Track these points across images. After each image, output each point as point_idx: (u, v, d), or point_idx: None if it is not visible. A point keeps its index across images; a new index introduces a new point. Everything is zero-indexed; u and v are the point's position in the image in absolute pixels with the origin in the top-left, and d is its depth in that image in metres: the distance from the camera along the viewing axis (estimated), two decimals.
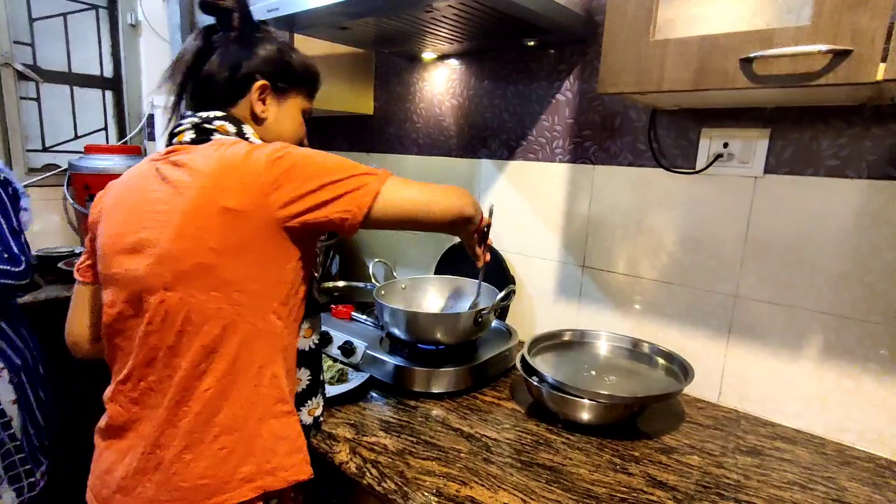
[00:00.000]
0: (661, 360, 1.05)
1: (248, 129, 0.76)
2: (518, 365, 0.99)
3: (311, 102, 0.86)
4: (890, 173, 0.86)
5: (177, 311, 0.65)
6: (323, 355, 1.12)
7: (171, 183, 0.68)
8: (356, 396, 1.01)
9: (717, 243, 1.03)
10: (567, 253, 1.25)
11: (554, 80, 1.23)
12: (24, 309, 1.45)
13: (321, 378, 0.85)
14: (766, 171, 0.97)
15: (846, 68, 0.64)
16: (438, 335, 1.06)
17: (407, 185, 0.73)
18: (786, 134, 0.95)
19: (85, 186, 1.90)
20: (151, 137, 2.25)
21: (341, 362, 1.12)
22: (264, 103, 0.79)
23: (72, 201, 2.04)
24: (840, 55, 0.63)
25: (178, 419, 0.65)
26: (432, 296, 1.27)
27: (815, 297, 0.94)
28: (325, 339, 1.18)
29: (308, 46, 1.35)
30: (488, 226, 0.97)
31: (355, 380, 1.04)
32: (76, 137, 2.17)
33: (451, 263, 1.43)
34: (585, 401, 0.88)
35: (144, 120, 2.27)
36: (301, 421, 0.79)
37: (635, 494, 0.75)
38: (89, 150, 1.97)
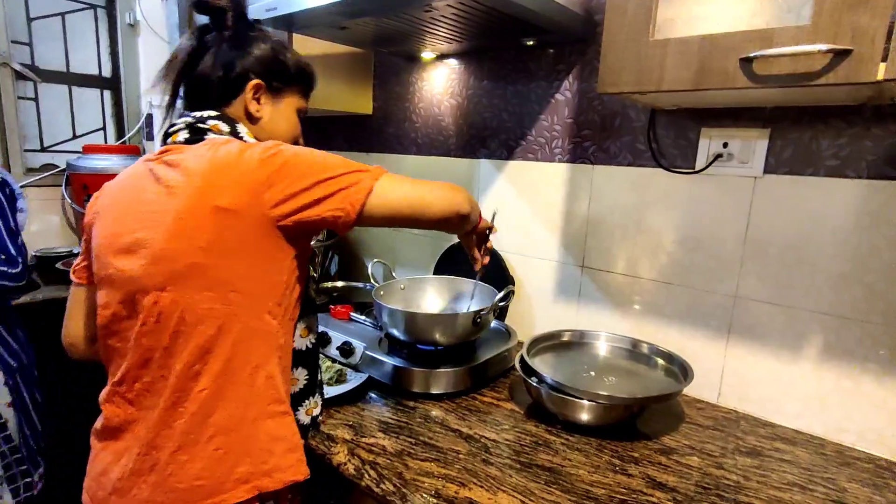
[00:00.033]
0: (660, 361, 1.04)
1: (242, 129, 0.75)
2: (517, 365, 0.99)
3: (306, 101, 0.86)
4: (890, 173, 0.86)
5: (170, 312, 0.64)
6: (322, 356, 1.12)
7: (164, 183, 0.67)
8: (355, 397, 1.01)
9: (716, 243, 1.03)
10: (566, 253, 1.25)
11: (553, 80, 1.22)
12: (22, 309, 1.44)
13: (319, 377, 0.84)
14: (766, 171, 0.97)
15: (846, 68, 0.63)
16: (437, 336, 1.05)
17: (401, 181, 0.73)
18: (785, 134, 0.95)
19: (83, 186, 1.90)
20: (150, 137, 2.25)
21: (340, 363, 1.12)
22: (259, 102, 0.78)
23: (70, 201, 2.03)
24: (840, 55, 0.63)
25: (173, 420, 0.65)
26: (431, 296, 1.27)
27: (815, 298, 0.94)
28: (324, 340, 1.18)
29: (307, 46, 1.34)
30: (489, 229, 0.96)
31: (354, 380, 1.04)
32: (74, 137, 2.17)
33: (451, 264, 1.43)
34: (585, 402, 0.88)
35: (143, 120, 2.27)
36: (299, 420, 0.79)
37: (635, 496, 0.75)
38: (88, 149, 1.96)
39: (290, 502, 0.74)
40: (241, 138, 0.74)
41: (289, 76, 0.81)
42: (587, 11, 1.11)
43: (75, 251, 1.99)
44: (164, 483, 0.65)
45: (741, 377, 1.03)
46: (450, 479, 0.77)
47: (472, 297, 1.16)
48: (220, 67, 0.76)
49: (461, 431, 0.90)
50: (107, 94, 2.26)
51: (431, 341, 1.08)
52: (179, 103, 0.80)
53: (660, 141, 1.08)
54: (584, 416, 0.90)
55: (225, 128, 0.74)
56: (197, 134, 0.72)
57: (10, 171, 1.89)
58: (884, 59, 0.61)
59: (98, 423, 0.73)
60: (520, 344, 1.16)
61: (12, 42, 1.93)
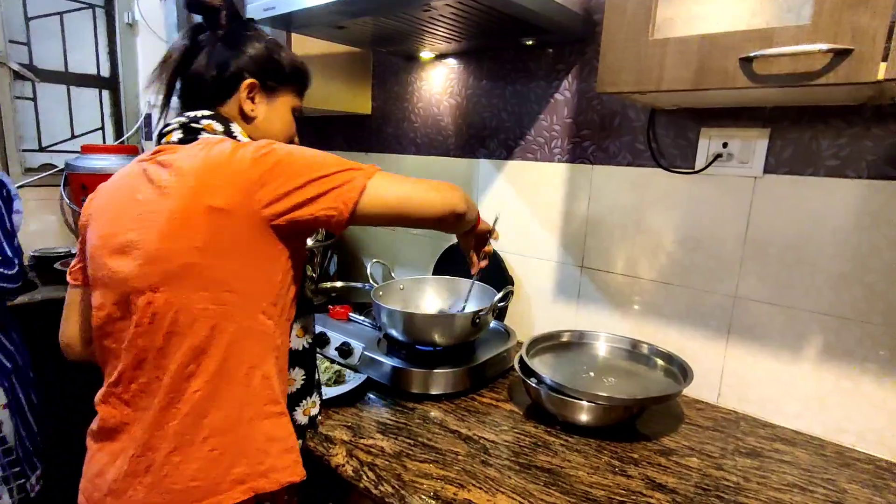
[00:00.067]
0: (660, 361, 1.04)
1: (236, 128, 0.75)
2: (516, 366, 0.99)
3: (300, 100, 0.86)
4: (890, 173, 0.86)
5: (164, 313, 0.64)
6: (320, 356, 1.12)
7: (157, 183, 0.67)
8: (353, 398, 1.00)
9: (716, 243, 1.03)
10: (566, 253, 1.24)
11: (552, 80, 1.22)
12: (20, 309, 1.44)
13: (316, 378, 0.84)
14: (766, 170, 0.97)
15: (847, 68, 0.63)
16: (436, 336, 1.05)
17: (395, 179, 0.72)
18: (785, 134, 0.94)
19: (82, 186, 1.90)
20: (148, 137, 2.25)
21: (339, 363, 1.12)
22: (253, 102, 0.78)
23: (68, 201, 2.03)
24: (840, 54, 0.63)
25: (167, 421, 0.65)
26: (430, 297, 1.26)
27: (815, 298, 0.94)
28: (323, 340, 1.17)
29: (305, 46, 1.34)
30: (490, 232, 0.95)
31: (353, 381, 1.04)
32: (73, 137, 2.17)
33: (450, 264, 1.43)
34: (584, 402, 0.88)
35: (141, 119, 2.26)
36: (296, 421, 0.78)
37: (634, 497, 0.75)
38: (86, 149, 1.96)
39: None
40: (235, 138, 0.73)
41: (283, 75, 0.81)
42: (586, 11, 1.10)
43: (73, 251, 1.97)
44: (159, 484, 0.64)
45: (741, 378, 1.03)
46: (448, 481, 0.76)
47: (471, 298, 1.15)
48: (214, 67, 0.75)
49: (460, 432, 0.90)
50: (105, 93, 2.25)
51: (430, 342, 1.07)
52: (175, 103, 0.79)
53: (659, 141, 1.08)
54: (584, 417, 0.89)
55: (219, 127, 0.73)
56: (191, 133, 0.72)
57: (8, 172, 1.89)
58: (884, 59, 0.61)
59: (94, 424, 0.73)
60: (519, 344, 1.16)
61: (10, 42, 1.93)
